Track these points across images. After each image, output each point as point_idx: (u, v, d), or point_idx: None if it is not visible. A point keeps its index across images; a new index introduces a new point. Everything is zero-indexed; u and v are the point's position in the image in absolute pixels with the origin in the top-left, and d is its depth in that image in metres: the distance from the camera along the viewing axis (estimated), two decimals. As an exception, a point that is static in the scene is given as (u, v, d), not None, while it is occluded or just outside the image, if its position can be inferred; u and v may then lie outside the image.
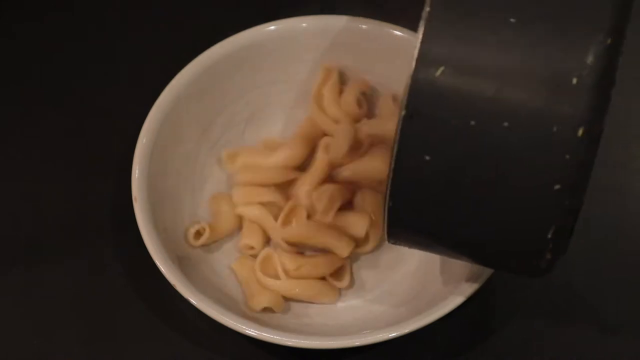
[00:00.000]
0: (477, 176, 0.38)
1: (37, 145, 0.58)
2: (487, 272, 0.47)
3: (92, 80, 0.61)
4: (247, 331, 0.46)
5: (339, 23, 0.55)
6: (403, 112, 0.38)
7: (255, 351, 0.50)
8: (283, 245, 0.52)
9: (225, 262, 0.53)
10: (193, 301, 0.47)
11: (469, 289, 0.47)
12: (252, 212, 0.53)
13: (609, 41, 0.37)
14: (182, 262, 0.50)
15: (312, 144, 0.55)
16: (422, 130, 0.38)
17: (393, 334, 0.46)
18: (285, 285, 0.51)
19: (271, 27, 0.55)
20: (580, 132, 0.37)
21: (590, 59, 0.37)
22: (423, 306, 0.48)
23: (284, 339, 0.46)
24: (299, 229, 0.52)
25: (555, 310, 0.52)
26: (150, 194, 0.50)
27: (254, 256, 0.52)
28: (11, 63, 0.62)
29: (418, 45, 0.38)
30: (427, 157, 0.38)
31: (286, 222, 0.52)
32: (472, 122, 0.38)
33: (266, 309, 0.50)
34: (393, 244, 0.44)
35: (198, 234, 0.52)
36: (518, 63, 0.37)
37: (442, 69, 0.38)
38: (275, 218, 0.52)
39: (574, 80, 0.37)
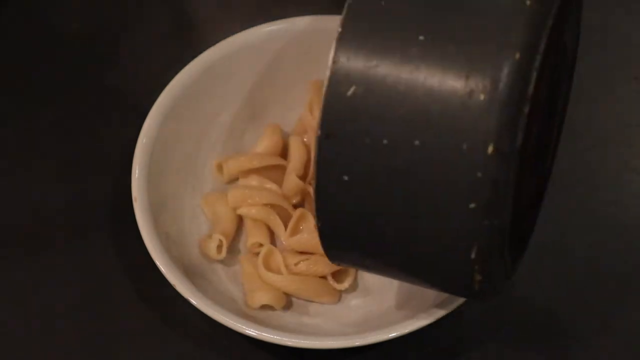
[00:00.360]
0: (393, 196, 0.38)
1: (36, 145, 0.58)
2: None
3: (92, 80, 0.61)
4: (247, 331, 0.46)
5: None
6: (318, 133, 0.38)
7: (255, 351, 0.50)
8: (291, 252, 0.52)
9: (225, 261, 0.53)
10: (193, 301, 0.47)
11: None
12: (259, 214, 0.53)
13: (517, 56, 0.36)
14: (181, 262, 0.50)
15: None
16: (338, 151, 0.38)
17: (393, 334, 0.46)
18: (287, 281, 0.51)
19: (271, 27, 0.55)
20: (490, 149, 0.36)
21: (497, 76, 0.36)
22: (423, 306, 0.48)
23: (284, 339, 0.46)
24: (309, 237, 0.52)
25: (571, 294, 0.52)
26: (150, 194, 0.50)
27: (258, 253, 0.52)
28: (10, 62, 0.62)
29: (330, 65, 0.38)
30: (346, 178, 0.38)
31: (295, 230, 0.52)
32: (385, 141, 0.37)
33: (265, 307, 0.50)
34: (338, 264, 0.44)
35: (219, 248, 0.52)
36: (427, 81, 0.37)
37: (353, 88, 0.38)
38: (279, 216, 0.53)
39: (482, 97, 0.36)
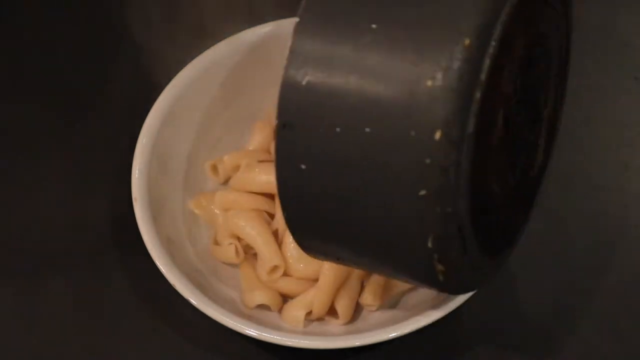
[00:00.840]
0: (349, 183, 0.38)
1: (36, 145, 0.58)
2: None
3: (91, 80, 0.61)
4: (247, 331, 0.46)
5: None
6: (276, 122, 0.39)
7: (255, 351, 0.50)
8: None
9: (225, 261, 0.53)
10: (193, 301, 0.47)
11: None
12: (253, 241, 0.52)
13: (466, 42, 0.36)
14: (181, 262, 0.50)
15: None
16: (295, 140, 0.39)
17: (393, 334, 0.46)
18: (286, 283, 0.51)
19: (271, 27, 0.55)
20: (437, 135, 0.36)
21: (444, 62, 0.36)
22: (423, 306, 0.48)
23: (284, 339, 0.46)
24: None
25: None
26: (150, 194, 0.50)
27: (255, 254, 0.52)
28: (9, 63, 0.62)
29: (287, 55, 0.38)
30: (303, 166, 0.39)
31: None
32: (338, 129, 0.38)
33: (262, 307, 0.50)
34: (312, 256, 0.44)
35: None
36: (377, 69, 0.37)
37: (307, 78, 0.38)
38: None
39: (429, 83, 0.36)
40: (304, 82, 0.38)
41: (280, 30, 0.55)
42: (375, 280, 0.50)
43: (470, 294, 0.46)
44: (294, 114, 0.39)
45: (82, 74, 0.61)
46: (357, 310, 0.51)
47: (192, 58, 0.54)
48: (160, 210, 0.51)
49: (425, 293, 0.50)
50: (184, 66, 0.54)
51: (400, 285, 0.51)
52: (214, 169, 0.55)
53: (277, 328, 0.48)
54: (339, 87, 0.38)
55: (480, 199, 0.39)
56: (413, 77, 0.36)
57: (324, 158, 0.38)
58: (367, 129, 0.37)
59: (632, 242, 0.55)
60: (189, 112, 0.54)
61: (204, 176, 0.55)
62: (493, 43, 0.36)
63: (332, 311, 0.50)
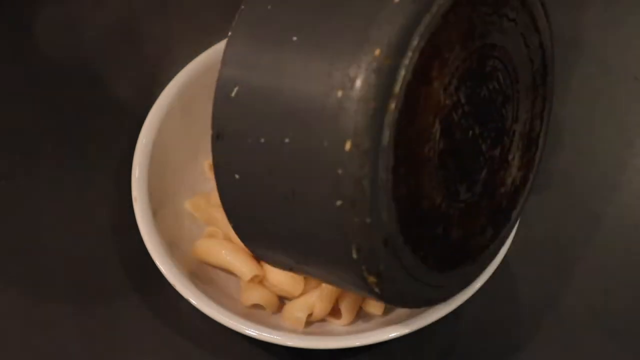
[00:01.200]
0: (275, 194, 0.38)
1: (36, 145, 0.58)
2: (485, 275, 0.47)
3: (91, 80, 0.61)
4: (247, 331, 0.46)
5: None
6: (211, 133, 0.39)
7: (255, 351, 0.50)
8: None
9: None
10: (193, 301, 0.47)
11: (468, 290, 0.47)
12: (228, 264, 0.52)
13: (376, 52, 0.35)
14: (181, 262, 0.50)
15: None
16: (228, 150, 0.39)
17: (393, 334, 0.46)
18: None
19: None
20: (347, 146, 0.36)
21: (353, 72, 0.36)
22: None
23: (284, 339, 0.46)
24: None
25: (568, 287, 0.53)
26: (150, 194, 0.50)
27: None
28: (9, 63, 0.62)
29: (220, 67, 0.39)
30: (237, 176, 0.39)
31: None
32: (262, 140, 0.38)
33: (259, 306, 0.50)
34: (270, 265, 0.45)
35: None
36: (294, 80, 0.37)
37: (236, 89, 0.39)
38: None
39: (339, 94, 0.36)
40: (232, 94, 0.39)
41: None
42: None
43: (470, 294, 0.46)
44: (225, 125, 0.39)
45: (82, 73, 0.61)
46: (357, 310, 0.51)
47: (192, 58, 0.54)
48: (160, 210, 0.51)
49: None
50: (184, 66, 0.54)
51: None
52: (212, 167, 0.55)
53: (277, 328, 0.47)
54: (262, 98, 0.38)
55: (415, 212, 0.39)
56: (326, 88, 0.36)
57: (252, 168, 0.39)
58: (287, 140, 0.37)
59: (632, 242, 0.55)
60: (189, 112, 0.54)
61: (203, 176, 0.55)
62: (409, 54, 0.36)
63: (331, 311, 0.50)
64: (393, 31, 0.36)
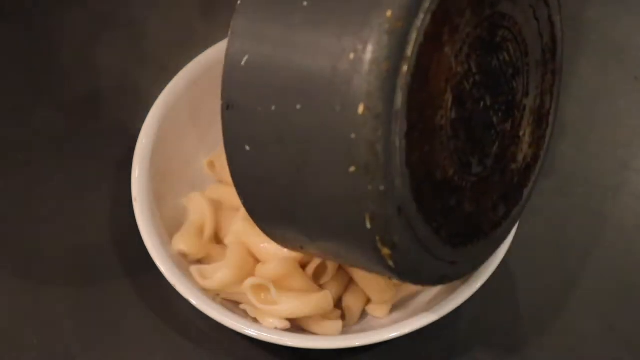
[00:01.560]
0: (288, 163, 0.38)
1: (36, 145, 0.58)
2: (485, 275, 0.47)
3: (91, 80, 0.61)
4: (247, 331, 0.46)
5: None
6: (221, 104, 0.39)
7: (255, 351, 0.50)
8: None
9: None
10: (193, 301, 0.47)
11: (468, 290, 0.47)
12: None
13: (389, 14, 0.35)
14: (181, 262, 0.50)
15: None
16: (238, 121, 0.38)
17: (393, 334, 0.46)
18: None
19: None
20: (360, 109, 0.35)
21: (366, 34, 0.35)
22: (422, 307, 0.48)
23: (284, 339, 0.46)
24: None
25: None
26: (150, 194, 0.50)
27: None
28: (10, 62, 0.62)
29: (229, 35, 0.39)
30: (247, 147, 0.38)
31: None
32: (273, 108, 0.37)
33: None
34: (280, 245, 0.44)
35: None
36: (306, 45, 0.37)
37: (246, 57, 0.38)
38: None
39: (351, 56, 0.35)
40: (242, 63, 0.38)
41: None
42: (382, 294, 0.50)
43: (470, 294, 0.46)
44: (235, 94, 0.39)
45: (82, 73, 0.61)
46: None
47: (192, 59, 0.54)
48: (160, 210, 0.51)
49: (425, 294, 0.50)
50: (184, 66, 0.54)
51: (405, 289, 0.51)
52: (212, 165, 0.55)
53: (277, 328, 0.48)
54: (273, 64, 0.38)
55: (428, 182, 0.38)
56: (337, 51, 0.36)
57: (263, 138, 0.38)
58: (298, 106, 0.37)
59: (632, 242, 0.55)
60: (189, 112, 0.54)
61: (203, 176, 0.55)
62: (421, 16, 0.36)
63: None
64: None
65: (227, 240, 0.51)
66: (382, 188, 0.36)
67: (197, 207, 0.53)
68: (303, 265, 0.49)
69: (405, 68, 0.36)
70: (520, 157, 0.45)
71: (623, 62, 0.63)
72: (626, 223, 0.56)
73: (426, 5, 0.36)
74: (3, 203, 0.56)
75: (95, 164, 0.57)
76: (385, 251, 0.38)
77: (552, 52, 0.46)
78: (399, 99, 0.36)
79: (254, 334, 0.46)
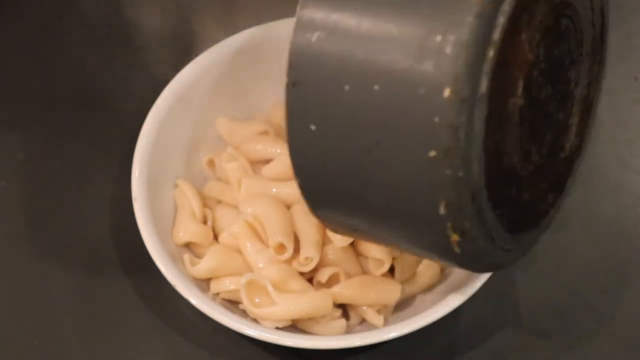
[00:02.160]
0: (358, 144, 0.37)
1: (36, 145, 0.58)
2: (485, 275, 0.47)
3: (91, 80, 0.61)
4: (247, 331, 0.46)
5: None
6: (286, 81, 0.37)
7: (255, 351, 0.50)
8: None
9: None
10: (193, 301, 0.47)
11: (468, 290, 0.47)
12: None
13: None
14: (181, 262, 0.50)
15: None
16: (305, 99, 0.37)
17: (393, 334, 0.46)
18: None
19: (271, 27, 0.55)
20: (446, 93, 0.34)
21: (456, 17, 0.34)
22: (422, 307, 0.48)
23: (284, 339, 0.46)
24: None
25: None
26: (150, 194, 0.50)
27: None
28: (10, 62, 0.62)
29: (297, 11, 0.37)
30: (313, 127, 0.37)
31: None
32: (347, 87, 0.36)
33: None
34: (326, 227, 0.43)
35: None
36: (386, 24, 0.36)
37: (317, 34, 0.37)
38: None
39: (438, 39, 0.35)
40: (313, 39, 0.37)
41: (279, 30, 0.55)
42: (383, 300, 0.50)
43: (470, 294, 0.46)
44: (303, 71, 0.37)
45: (82, 74, 0.61)
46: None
47: (193, 58, 0.54)
48: (160, 210, 0.51)
49: (425, 294, 0.50)
50: (184, 67, 0.54)
51: (404, 291, 0.51)
52: (211, 163, 0.55)
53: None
54: (348, 42, 0.36)
55: (497, 169, 0.38)
56: (423, 33, 0.35)
57: (332, 117, 0.37)
58: (376, 87, 0.36)
59: (632, 242, 0.55)
60: (188, 112, 0.54)
61: (203, 176, 0.55)
62: (509, 1, 0.35)
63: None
64: None
65: (222, 237, 0.51)
66: (460, 174, 0.35)
67: (180, 195, 0.53)
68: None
69: (491, 53, 0.35)
70: (567, 146, 0.45)
71: (623, 62, 0.62)
72: (626, 223, 0.56)
73: None
74: (3, 203, 0.56)
75: (95, 164, 0.57)
76: (455, 237, 0.37)
77: (600, 43, 0.45)
78: (484, 84, 0.35)
79: (254, 334, 0.46)
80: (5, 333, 0.51)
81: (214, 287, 0.50)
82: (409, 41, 0.35)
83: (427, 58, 0.35)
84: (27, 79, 0.61)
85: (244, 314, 0.49)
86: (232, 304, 0.50)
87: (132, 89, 0.60)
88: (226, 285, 0.49)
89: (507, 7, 0.35)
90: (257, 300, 0.48)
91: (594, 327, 0.52)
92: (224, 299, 0.50)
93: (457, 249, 0.38)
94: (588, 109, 0.46)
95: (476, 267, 0.42)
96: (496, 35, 0.35)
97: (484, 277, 0.47)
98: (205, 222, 0.52)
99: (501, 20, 0.35)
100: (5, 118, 0.59)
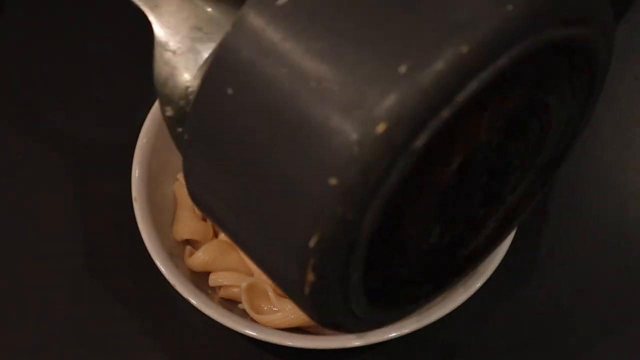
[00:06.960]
0: (270, 128, 0.32)
1: (37, 145, 0.58)
2: (485, 275, 0.47)
3: (92, 80, 0.61)
4: (247, 331, 0.46)
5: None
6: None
7: (255, 351, 0.50)
8: None
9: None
10: (193, 301, 0.47)
11: (468, 290, 0.47)
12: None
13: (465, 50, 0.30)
14: (181, 262, 0.50)
15: None
16: (230, 66, 0.33)
17: (393, 334, 0.46)
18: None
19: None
20: (380, 128, 0.30)
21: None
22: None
23: (284, 339, 0.46)
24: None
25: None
26: (150, 194, 0.50)
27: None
28: (10, 63, 0.62)
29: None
30: (230, 91, 0.33)
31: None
32: (284, 70, 0.32)
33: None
34: (198, 209, 0.38)
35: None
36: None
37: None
38: None
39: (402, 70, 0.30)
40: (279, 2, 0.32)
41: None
42: None
43: (470, 294, 0.46)
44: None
45: (82, 74, 0.61)
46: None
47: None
48: (160, 210, 0.51)
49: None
50: (184, 66, 0.54)
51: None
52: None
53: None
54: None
55: (389, 231, 0.34)
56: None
57: (253, 87, 0.32)
58: (313, 84, 0.31)
59: (632, 242, 0.55)
60: (189, 112, 0.54)
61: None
62: (490, 69, 0.31)
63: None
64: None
65: (222, 234, 0.51)
66: (350, 217, 0.32)
67: (180, 189, 0.53)
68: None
69: (446, 112, 0.31)
70: (471, 246, 0.41)
71: (623, 62, 0.62)
72: (626, 223, 0.56)
73: (499, 62, 0.31)
74: (2, 203, 0.56)
75: (95, 164, 0.57)
76: (310, 277, 0.33)
77: (554, 165, 0.43)
78: (421, 139, 0.31)
79: (254, 334, 0.46)
80: (5, 333, 0.51)
81: (213, 281, 0.50)
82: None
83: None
84: (26, 78, 0.61)
85: (243, 313, 0.49)
86: (232, 304, 0.50)
87: (132, 89, 0.60)
88: (225, 278, 0.49)
89: (486, 75, 0.31)
90: (256, 303, 0.48)
91: (594, 328, 0.52)
92: (223, 299, 0.50)
93: (307, 289, 0.34)
94: (510, 221, 0.42)
95: (316, 315, 0.37)
96: (461, 97, 0.31)
97: (484, 277, 0.47)
98: (205, 219, 0.52)
99: (474, 85, 0.31)
100: (5, 118, 0.59)
